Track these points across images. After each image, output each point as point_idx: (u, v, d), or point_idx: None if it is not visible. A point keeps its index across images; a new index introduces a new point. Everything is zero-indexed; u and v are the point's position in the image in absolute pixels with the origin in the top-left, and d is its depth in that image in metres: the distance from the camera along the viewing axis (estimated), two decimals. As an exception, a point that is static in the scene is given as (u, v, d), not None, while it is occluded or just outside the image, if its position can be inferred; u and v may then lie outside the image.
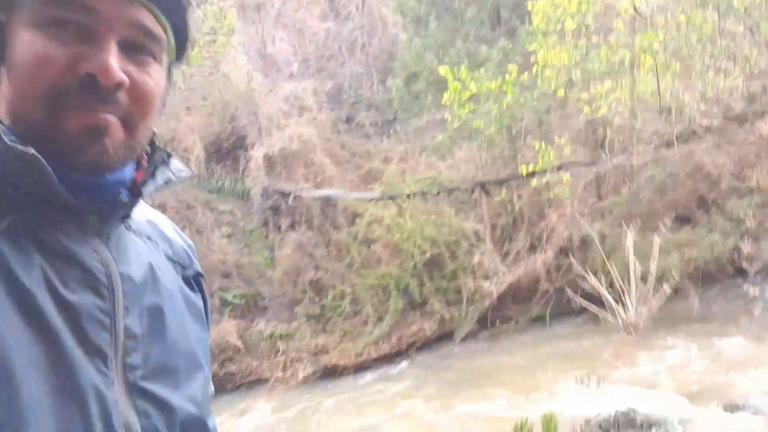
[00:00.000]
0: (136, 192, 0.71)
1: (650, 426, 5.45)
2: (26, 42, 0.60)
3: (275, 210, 10.73)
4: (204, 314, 0.85)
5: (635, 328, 7.45)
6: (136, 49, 0.64)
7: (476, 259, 8.97)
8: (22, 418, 0.54)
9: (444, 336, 8.76)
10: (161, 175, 0.73)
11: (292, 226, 10.41)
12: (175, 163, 0.76)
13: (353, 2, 15.59)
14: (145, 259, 0.74)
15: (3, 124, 0.59)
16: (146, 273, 0.72)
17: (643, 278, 7.57)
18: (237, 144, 11.59)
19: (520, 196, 9.32)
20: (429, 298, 8.98)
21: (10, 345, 0.55)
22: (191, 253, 0.87)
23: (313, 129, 11.21)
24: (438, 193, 9.64)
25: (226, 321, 9.22)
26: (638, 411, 5.55)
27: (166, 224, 0.86)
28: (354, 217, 10.18)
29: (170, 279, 0.77)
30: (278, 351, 8.97)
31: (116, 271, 0.67)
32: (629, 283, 7.46)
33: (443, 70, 8.30)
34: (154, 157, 0.74)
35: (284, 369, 8.60)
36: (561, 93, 9.06)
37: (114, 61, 0.60)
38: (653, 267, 7.39)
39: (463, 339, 8.62)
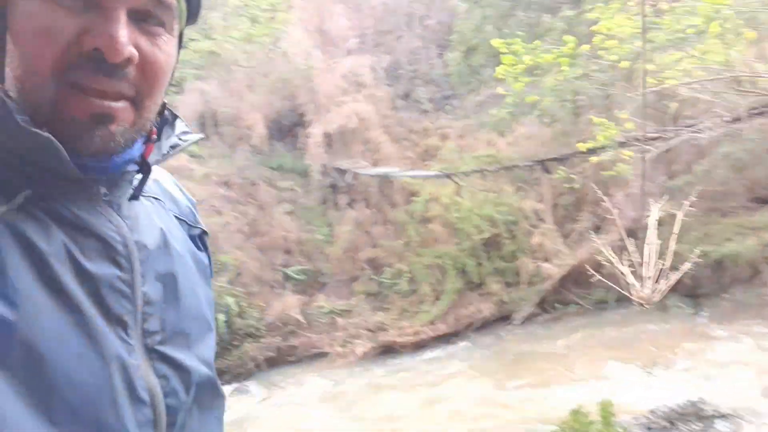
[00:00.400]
0: (145, 169, 0.70)
1: (720, 417, 5.29)
2: (30, 9, 0.56)
3: (334, 187, 10.87)
4: (209, 272, 0.86)
5: (647, 302, 7.09)
6: (146, 18, 0.61)
7: (536, 239, 8.81)
8: (48, 387, 0.55)
9: (503, 318, 8.72)
10: (166, 141, 0.72)
11: (350, 204, 10.53)
12: (180, 125, 0.74)
13: (411, -28, 15.25)
14: (156, 223, 0.74)
15: (13, 101, 0.56)
16: (159, 238, 0.73)
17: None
18: (297, 121, 11.74)
19: (582, 174, 9.02)
20: (487, 279, 8.93)
21: (34, 316, 0.55)
22: (195, 211, 0.88)
23: (370, 106, 11.18)
24: (497, 171, 9.47)
25: (289, 296, 9.52)
26: (707, 401, 5.39)
27: (170, 182, 0.86)
28: (411, 195, 10.18)
29: (180, 241, 0.78)
30: (337, 326, 9.21)
31: (131, 240, 0.67)
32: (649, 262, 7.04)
33: (496, 42, 8.00)
34: (169, 131, 0.73)
35: (343, 344, 8.83)
36: (624, 64, 8.59)
37: (123, 35, 0.57)
38: (672, 245, 6.93)
39: (523, 321, 8.56)
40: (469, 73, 12.12)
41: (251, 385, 8.16)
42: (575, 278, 8.60)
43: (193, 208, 0.87)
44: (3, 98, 0.55)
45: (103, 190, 0.65)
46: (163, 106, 0.71)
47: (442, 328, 8.67)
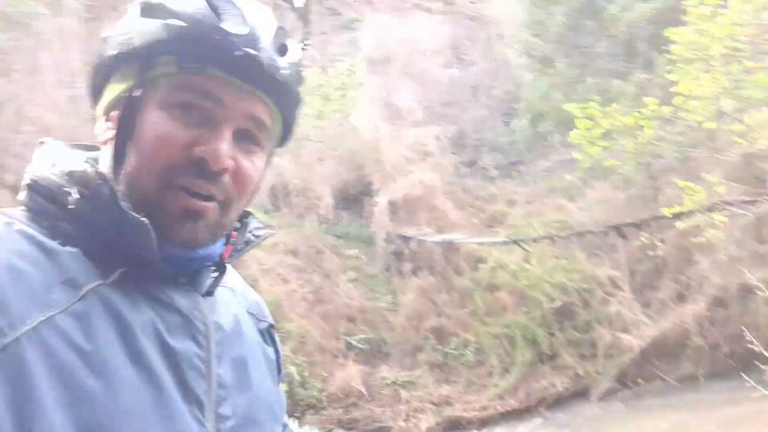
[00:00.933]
0: (221, 267, 0.75)
1: None
2: (154, 121, 0.67)
3: (398, 255, 10.80)
4: (278, 367, 0.86)
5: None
6: (246, 137, 0.70)
7: (613, 308, 8.20)
8: None
9: (578, 393, 8.01)
10: (241, 238, 0.77)
11: (414, 271, 10.37)
12: (253, 222, 0.80)
13: (477, 49, 15.73)
14: (231, 310, 0.77)
15: (119, 191, 0.65)
16: (233, 323, 0.76)
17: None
18: (363, 190, 11.99)
19: (662, 240, 8.41)
20: (560, 351, 8.33)
21: (118, 389, 0.58)
22: (262, 306, 0.90)
23: (435, 174, 11.25)
24: (568, 237, 9.05)
25: (351, 366, 9.30)
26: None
27: (237, 276, 0.89)
28: (477, 262, 9.89)
29: (250, 331, 0.81)
30: (400, 399, 8.81)
31: (211, 320, 0.70)
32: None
33: (570, 107, 7.82)
34: (244, 231, 0.79)
35: (407, 418, 8.41)
36: (710, 125, 8.10)
37: (226, 149, 0.66)
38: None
39: (601, 397, 7.80)
40: (536, 139, 12.00)
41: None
42: (658, 351, 7.82)
43: (260, 303, 0.90)
44: (111, 187, 0.63)
45: (182, 279, 0.71)
46: (246, 213, 0.78)
47: (512, 404, 8.07)
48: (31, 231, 0.63)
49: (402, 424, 8.39)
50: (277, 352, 0.88)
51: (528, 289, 8.81)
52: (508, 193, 11.17)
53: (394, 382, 9.15)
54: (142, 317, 0.63)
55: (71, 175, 0.65)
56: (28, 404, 0.54)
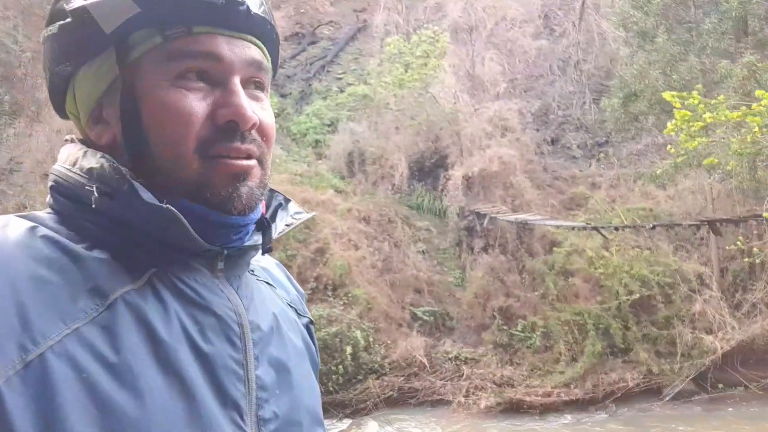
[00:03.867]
0: (265, 225, 0.72)
1: None
2: (163, 101, 0.62)
3: (469, 230, 10.65)
4: (317, 363, 0.83)
5: None
6: (251, 84, 0.67)
7: (698, 307, 7.72)
8: None
9: (650, 391, 7.69)
10: (281, 220, 0.75)
11: (485, 249, 10.20)
12: (293, 207, 0.78)
13: (570, 18, 14.88)
14: (270, 307, 0.74)
15: (138, 182, 0.60)
16: (271, 322, 0.72)
17: None
18: (438, 163, 11.82)
19: (761, 238, 7.78)
20: (634, 345, 7.99)
21: (149, 400, 0.56)
22: (302, 301, 0.87)
23: (514, 150, 10.89)
24: (653, 227, 8.55)
25: (415, 337, 9.38)
26: None
27: (279, 270, 0.87)
28: (552, 245, 9.58)
29: (291, 328, 0.77)
30: (462, 375, 8.82)
31: (246, 320, 0.67)
32: None
33: (668, 95, 7.14)
34: (270, 194, 0.76)
35: (467, 394, 8.41)
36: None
37: (247, 104, 0.63)
38: None
39: (674, 398, 7.45)
40: (627, 120, 11.29)
41: (369, 423, 8.05)
42: (744, 356, 7.33)
43: (300, 298, 0.87)
44: (131, 181, 0.60)
45: (220, 265, 0.67)
46: (286, 198, 0.77)
47: (576, 393, 7.87)
48: (56, 236, 0.60)
49: (461, 399, 8.41)
50: (315, 348, 0.84)
51: (604, 278, 8.45)
52: (591, 176, 10.65)
53: (456, 357, 9.15)
54: (172, 322, 0.61)
55: (91, 173, 0.62)
56: (54, 423, 0.52)
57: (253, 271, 0.75)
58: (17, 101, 11.37)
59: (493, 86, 12.65)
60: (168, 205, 0.59)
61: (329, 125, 13.65)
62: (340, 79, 15.39)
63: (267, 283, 0.79)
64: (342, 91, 14.39)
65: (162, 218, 0.60)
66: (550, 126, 12.19)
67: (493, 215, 10.16)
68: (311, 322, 0.86)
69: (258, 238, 0.71)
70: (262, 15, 0.67)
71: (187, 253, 0.64)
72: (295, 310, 0.82)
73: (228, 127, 0.63)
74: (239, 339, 0.65)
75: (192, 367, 0.60)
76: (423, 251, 10.56)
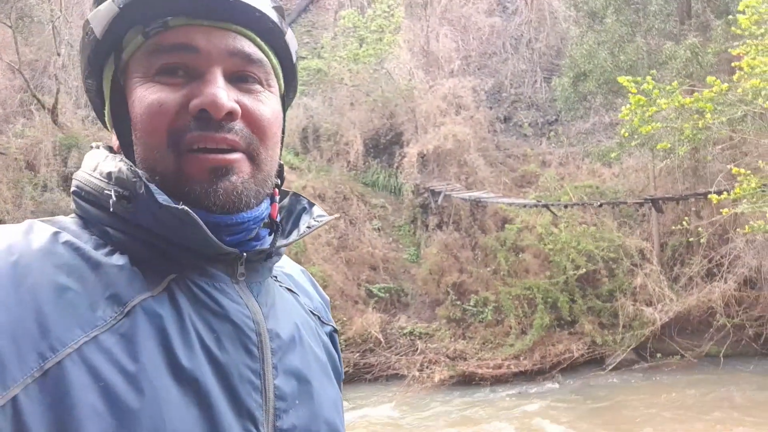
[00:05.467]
0: (274, 227, 0.70)
1: None
2: (140, 97, 0.62)
3: (424, 208, 10.75)
4: (340, 372, 0.82)
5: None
6: (243, 78, 0.65)
7: (639, 280, 8.11)
8: None
9: (594, 361, 8.08)
10: (304, 223, 0.73)
11: (439, 226, 10.34)
12: (317, 210, 0.76)
13: (523, -4, 14.99)
14: (291, 315, 0.73)
15: (153, 184, 0.60)
16: (292, 330, 0.71)
17: None
18: (394, 140, 11.81)
19: (699, 215, 8.20)
20: (579, 318, 8.34)
21: (160, 406, 0.56)
22: (327, 309, 0.85)
23: (468, 128, 11.00)
24: (600, 205, 8.87)
25: (370, 313, 9.48)
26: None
27: (303, 276, 0.85)
28: (504, 221, 9.81)
29: (312, 336, 0.75)
30: (416, 349, 9.00)
31: (265, 328, 0.66)
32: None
33: (623, 80, 7.29)
34: (294, 199, 0.75)
35: (421, 369, 8.60)
36: (768, 105, 7.52)
37: (221, 92, 0.61)
38: None
39: (616, 367, 7.86)
40: (577, 99, 11.56)
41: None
42: (681, 326, 7.79)
43: (325, 306, 0.85)
44: (146, 183, 0.59)
45: (241, 270, 0.66)
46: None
47: (526, 365, 8.19)
48: (78, 242, 0.60)
49: (416, 373, 8.60)
50: (339, 357, 0.83)
51: (553, 254, 8.73)
52: (542, 153, 10.91)
53: (411, 333, 9.32)
54: (188, 330, 0.60)
55: (109, 177, 0.62)
56: (69, 431, 0.52)
57: (276, 277, 0.74)
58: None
59: (447, 63, 12.67)
60: (183, 207, 0.58)
61: (282, 101, 13.38)
62: (292, 52, 15.04)
63: (289, 290, 0.78)
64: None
65: (178, 220, 0.59)
66: (503, 104, 12.35)
67: (447, 193, 10.28)
68: (335, 330, 0.85)
69: (268, 243, 0.70)
70: (247, 2, 0.64)
71: (206, 258, 0.63)
72: (318, 317, 0.81)
73: (201, 117, 0.61)
74: (257, 348, 0.64)
75: (207, 377, 0.59)
76: (378, 228, 10.61)
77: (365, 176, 11.53)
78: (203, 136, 0.61)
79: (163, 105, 0.61)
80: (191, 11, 0.62)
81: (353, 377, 8.73)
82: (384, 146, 11.91)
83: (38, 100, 10.68)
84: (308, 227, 0.73)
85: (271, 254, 0.69)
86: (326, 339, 0.80)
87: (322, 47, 13.74)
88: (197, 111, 0.61)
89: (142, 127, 0.62)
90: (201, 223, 0.59)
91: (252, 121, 0.64)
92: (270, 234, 0.71)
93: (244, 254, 0.65)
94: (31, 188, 9.73)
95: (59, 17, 10.95)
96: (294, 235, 0.72)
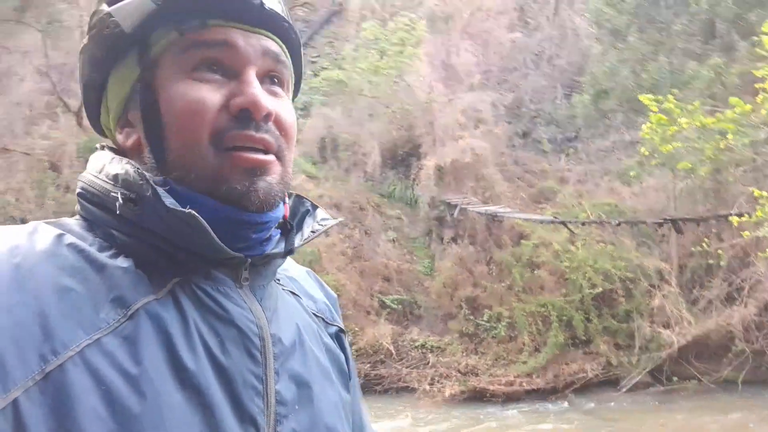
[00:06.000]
0: (288, 228, 0.71)
1: None
2: (180, 94, 0.63)
3: (440, 220, 10.73)
4: (347, 373, 0.80)
5: None
6: (270, 79, 0.67)
7: (656, 302, 7.98)
8: None
9: (608, 382, 7.94)
10: (308, 227, 0.74)
11: (454, 239, 10.30)
12: (321, 213, 0.77)
13: (544, 12, 15.00)
14: (293, 319, 0.73)
15: (160, 186, 0.60)
16: (294, 335, 0.71)
17: None
18: (411, 152, 11.84)
19: (719, 237, 8.06)
20: (594, 337, 8.22)
21: (163, 411, 0.55)
22: (333, 308, 0.85)
23: (487, 142, 10.98)
24: (619, 224, 8.76)
25: (383, 324, 9.44)
26: None
27: (308, 279, 0.85)
28: (520, 237, 9.74)
29: (314, 341, 0.75)
30: (428, 363, 8.93)
31: (268, 333, 0.66)
32: None
33: (645, 99, 7.21)
34: (297, 201, 0.75)
35: (432, 382, 8.53)
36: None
37: (264, 94, 0.64)
38: None
39: (630, 389, 7.72)
40: (597, 116, 11.50)
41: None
42: (699, 350, 7.63)
43: (331, 306, 0.85)
44: (153, 186, 0.59)
45: (245, 274, 0.66)
46: (314, 205, 0.76)
47: (538, 383, 8.07)
48: (83, 244, 0.60)
49: (426, 387, 8.53)
50: (347, 357, 0.82)
51: (569, 272, 8.64)
52: (560, 170, 10.84)
53: (423, 345, 9.26)
54: (192, 334, 0.60)
55: (116, 179, 0.62)
56: None
57: (279, 280, 0.74)
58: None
59: (467, 77, 12.69)
60: (191, 210, 0.59)
61: (302, 109, 13.48)
62: (314, 62, 15.18)
63: (292, 293, 0.78)
64: (316, 75, 14.21)
65: (184, 224, 0.59)
66: (522, 119, 12.32)
67: (463, 206, 10.26)
68: (342, 330, 0.84)
69: (283, 246, 0.70)
70: (278, 12, 0.67)
71: (211, 262, 0.63)
72: (323, 319, 0.81)
73: (242, 116, 0.63)
74: (260, 352, 0.64)
75: (211, 381, 0.59)
76: (393, 240, 10.60)
77: (382, 187, 11.55)
78: (244, 135, 0.63)
79: (206, 103, 0.62)
80: (228, 14, 0.64)
81: (363, 388, 8.58)
82: (401, 158, 11.94)
83: (64, 103, 10.91)
84: (313, 231, 0.74)
85: (277, 257, 0.70)
86: (330, 341, 0.79)
87: (344, 58, 13.87)
88: (238, 110, 0.63)
89: (182, 124, 0.62)
90: (207, 227, 0.59)
91: (280, 123, 0.66)
92: (282, 234, 0.71)
93: (249, 259, 0.65)
94: (54, 189, 9.91)
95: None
96: (298, 239, 0.72)
